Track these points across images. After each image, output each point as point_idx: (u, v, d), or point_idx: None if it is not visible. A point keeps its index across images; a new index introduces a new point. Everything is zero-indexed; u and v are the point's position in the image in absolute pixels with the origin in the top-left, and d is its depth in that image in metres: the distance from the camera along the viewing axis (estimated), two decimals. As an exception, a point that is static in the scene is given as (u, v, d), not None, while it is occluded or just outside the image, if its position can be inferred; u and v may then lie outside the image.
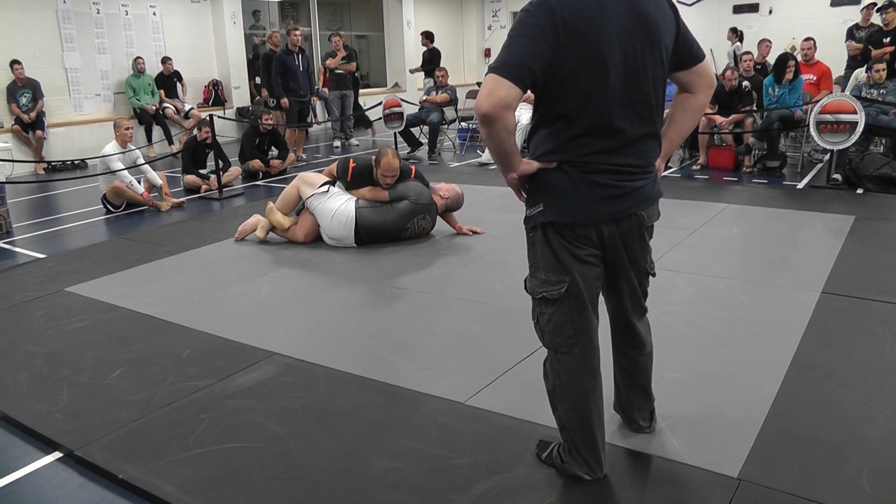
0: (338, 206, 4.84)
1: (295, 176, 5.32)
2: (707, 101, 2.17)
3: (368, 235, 4.86)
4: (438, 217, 5.13)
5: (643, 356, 2.30)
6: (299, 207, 5.06)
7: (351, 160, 5.10)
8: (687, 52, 2.05)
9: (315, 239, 5.03)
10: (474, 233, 5.12)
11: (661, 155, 2.11)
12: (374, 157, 4.94)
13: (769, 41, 9.05)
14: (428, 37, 11.22)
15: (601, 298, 2.18)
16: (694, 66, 2.08)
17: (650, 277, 2.22)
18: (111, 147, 6.47)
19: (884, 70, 7.00)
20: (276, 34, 10.14)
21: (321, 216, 4.90)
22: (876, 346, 3.08)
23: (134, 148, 6.75)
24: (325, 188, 4.92)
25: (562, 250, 2.01)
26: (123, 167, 6.43)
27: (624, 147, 1.95)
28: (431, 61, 11.07)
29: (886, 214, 5.37)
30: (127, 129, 6.57)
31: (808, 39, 8.22)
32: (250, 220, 5.26)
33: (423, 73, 11.28)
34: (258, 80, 11.11)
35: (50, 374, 3.11)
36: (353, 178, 4.99)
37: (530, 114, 2.13)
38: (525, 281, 2.14)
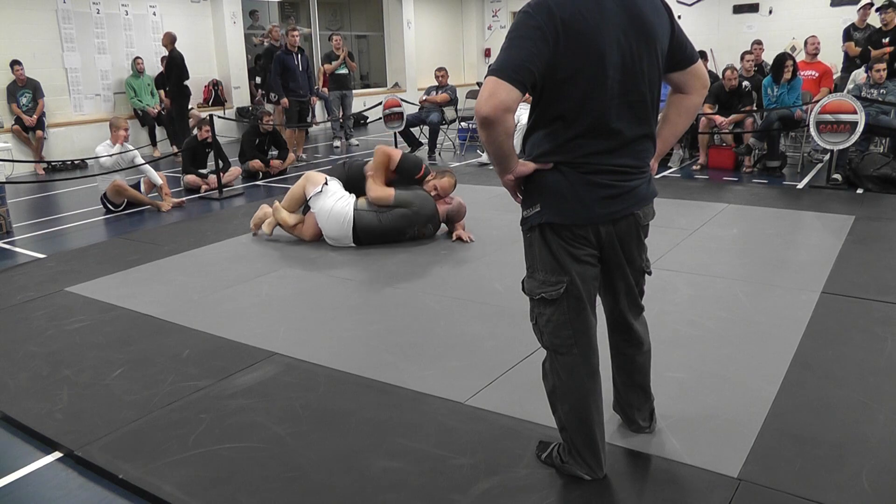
0: (333, 205, 4.84)
1: (294, 176, 5.32)
2: (700, 102, 2.18)
3: (367, 237, 4.86)
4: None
5: (641, 355, 2.30)
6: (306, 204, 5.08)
7: (424, 163, 5.16)
8: (681, 53, 2.06)
9: (321, 238, 5.04)
10: (462, 240, 4.99)
11: (654, 155, 2.11)
12: (437, 171, 5.12)
13: (759, 44, 9.03)
14: (170, 40, 9.28)
15: (598, 299, 2.18)
16: (688, 67, 2.09)
17: (646, 276, 2.23)
18: (103, 147, 6.46)
19: (884, 70, 6.99)
20: (275, 28, 10.13)
21: (319, 216, 4.91)
22: (876, 346, 3.08)
23: (132, 148, 6.74)
24: (319, 189, 4.90)
25: (560, 251, 2.01)
26: (111, 164, 6.39)
27: (621, 148, 1.96)
28: (171, 69, 9.27)
29: (886, 214, 5.37)
30: (125, 129, 6.57)
31: (813, 36, 8.24)
32: (258, 212, 5.30)
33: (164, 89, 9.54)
34: (258, 80, 11.11)
35: (50, 374, 3.11)
36: (399, 173, 5.01)
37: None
38: (523, 282, 2.14)
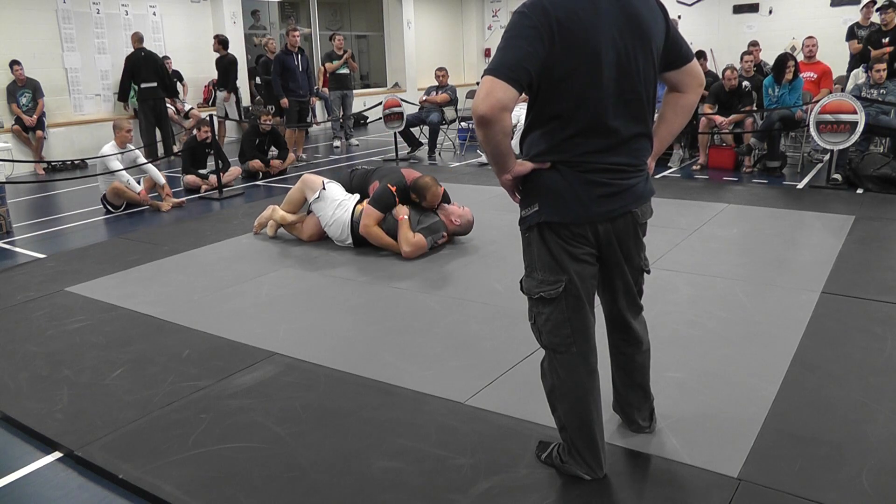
0: (332, 213, 4.87)
1: (294, 176, 5.32)
2: (696, 100, 2.19)
3: (366, 244, 4.86)
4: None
5: (640, 354, 2.30)
6: (307, 207, 5.09)
7: (394, 186, 4.81)
8: (676, 53, 2.07)
9: (320, 237, 5.05)
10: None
11: (651, 153, 2.12)
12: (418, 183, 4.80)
13: (755, 45, 9.04)
14: (136, 39, 9.00)
15: (597, 299, 2.18)
16: (683, 66, 2.09)
17: (644, 275, 2.23)
18: (109, 147, 6.48)
19: (884, 70, 6.99)
20: (271, 41, 10.13)
21: (321, 220, 4.96)
22: (876, 346, 3.08)
23: (133, 148, 6.76)
24: (317, 194, 4.92)
25: (558, 249, 2.02)
26: (122, 167, 6.45)
27: (618, 146, 1.97)
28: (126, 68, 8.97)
29: (886, 214, 5.37)
30: (128, 130, 6.61)
31: (810, 37, 8.24)
32: (265, 212, 5.33)
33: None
34: (258, 80, 11.10)
35: (50, 374, 3.11)
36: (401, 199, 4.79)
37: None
38: (521, 282, 2.15)
